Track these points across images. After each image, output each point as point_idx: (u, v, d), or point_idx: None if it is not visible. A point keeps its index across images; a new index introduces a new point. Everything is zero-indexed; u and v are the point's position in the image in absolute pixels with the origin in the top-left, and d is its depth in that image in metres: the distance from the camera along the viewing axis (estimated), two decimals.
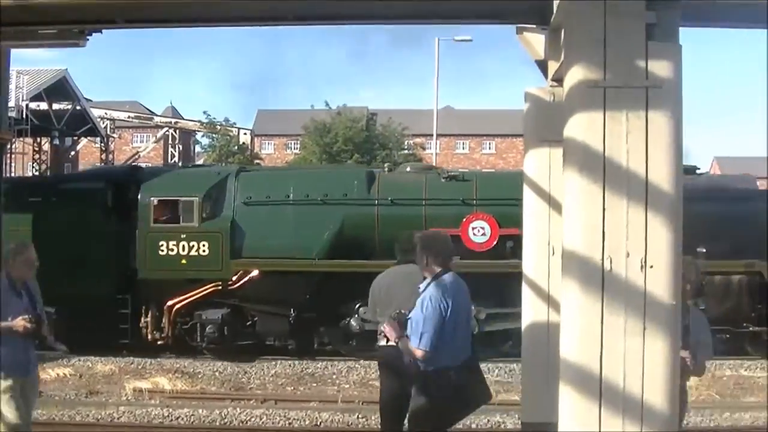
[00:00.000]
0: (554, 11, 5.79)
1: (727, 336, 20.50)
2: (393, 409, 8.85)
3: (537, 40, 7.48)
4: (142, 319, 20.27)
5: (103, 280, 19.90)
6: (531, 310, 7.56)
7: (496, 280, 19.26)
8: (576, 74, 4.77)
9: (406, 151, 56.83)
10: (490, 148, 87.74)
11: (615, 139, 4.68)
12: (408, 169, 23.74)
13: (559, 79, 6.34)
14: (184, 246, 20.25)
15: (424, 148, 60.24)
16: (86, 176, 25.71)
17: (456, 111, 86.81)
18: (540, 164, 7.33)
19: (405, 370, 8.31)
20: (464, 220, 20.56)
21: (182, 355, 19.73)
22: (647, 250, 4.69)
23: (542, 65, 7.52)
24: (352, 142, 51.13)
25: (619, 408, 4.63)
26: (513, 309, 17.85)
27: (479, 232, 20.65)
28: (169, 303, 20.29)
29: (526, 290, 7.63)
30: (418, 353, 7.08)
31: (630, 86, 4.69)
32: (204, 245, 20.19)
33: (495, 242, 20.45)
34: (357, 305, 19.38)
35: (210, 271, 20.15)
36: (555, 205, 6.77)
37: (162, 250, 20.24)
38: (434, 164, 40.45)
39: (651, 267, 4.67)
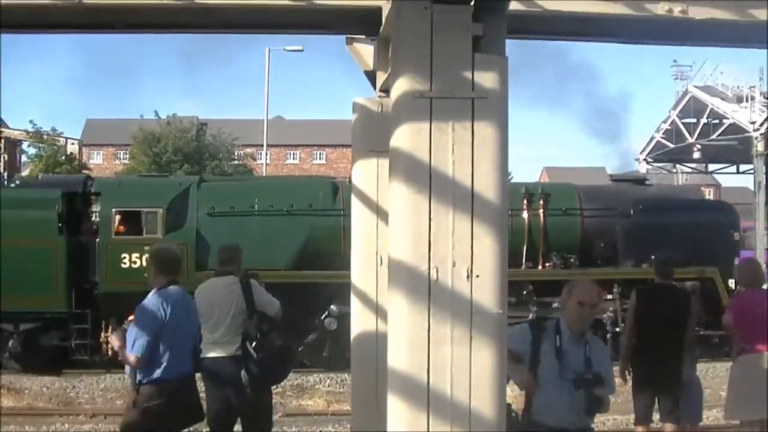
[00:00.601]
0: (382, 22, 5.80)
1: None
2: (222, 423, 8.72)
3: (366, 51, 7.50)
4: (102, 334, 19.33)
5: (57, 295, 19.40)
6: (359, 320, 7.54)
7: None
8: (402, 85, 4.77)
9: (236, 162, 56.59)
10: (320, 158, 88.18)
11: (441, 149, 4.70)
12: None
13: (386, 90, 6.35)
14: (147, 258, 19.70)
15: (254, 159, 59.94)
16: (37, 184, 24.88)
17: (286, 121, 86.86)
18: (368, 174, 7.33)
19: (230, 381, 8.21)
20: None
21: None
22: (473, 260, 4.72)
23: (371, 76, 7.53)
24: (181, 152, 50.66)
25: (447, 416, 4.65)
26: None
27: None
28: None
29: (354, 300, 7.61)
30: (131, 358, 7.21)
31: (456, 97, 4.72)
32: None
33: None
34: (323, 315, 19.94)
35: None
36: (383, 215, 6.77)
37: (124, 263, 19.75)
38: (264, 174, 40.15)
39: (477, 276, 4.71)
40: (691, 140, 42.94)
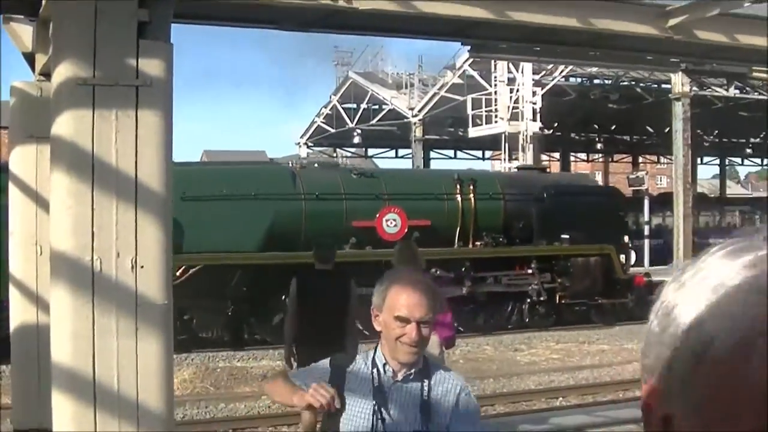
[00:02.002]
0: (43, 3, 5.57)
1: (583, 308, 26.08)
2: None
3: (25, 32, 7.18)
4: None
5: None
6: (19, 312, 7.23)
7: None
8: (64, 70, 4.61)
9: None
10: None
11: (104, 137, 4.58)
12: (316, 165, 25.68)
13: (47, 74, 6.11)
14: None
15: None
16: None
17: None
18: (27, 161, 7.03)
19: None
20: (378, 213, 22.95)
21: None
22: (138, 250, 4.65)
23: (30, 58, 7.23)
24: None
25: (115, 410, 4.56)
26: None
27: (392, 223, 23.22)
28: None
29: (13, 291, 7.29)
30: None
31: (120, 84, 4.62)
32: None
33: (404, 233, 22.73)
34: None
35: None
36: (43, 203, 6.51)
37: None
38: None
39: (142, 267, 4.64)
40: (351, 125, 44.05)
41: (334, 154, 50.36)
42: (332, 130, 45.57)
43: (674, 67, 11.13)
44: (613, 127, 45.15)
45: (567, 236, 25.75)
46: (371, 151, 52.50)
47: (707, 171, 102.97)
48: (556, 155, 50.41)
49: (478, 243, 24.73)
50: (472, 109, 34.13)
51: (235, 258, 21.36)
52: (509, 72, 32.43)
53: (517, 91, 32.34)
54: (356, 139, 45.59)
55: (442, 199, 24.74)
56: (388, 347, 3.76)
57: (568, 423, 12.23)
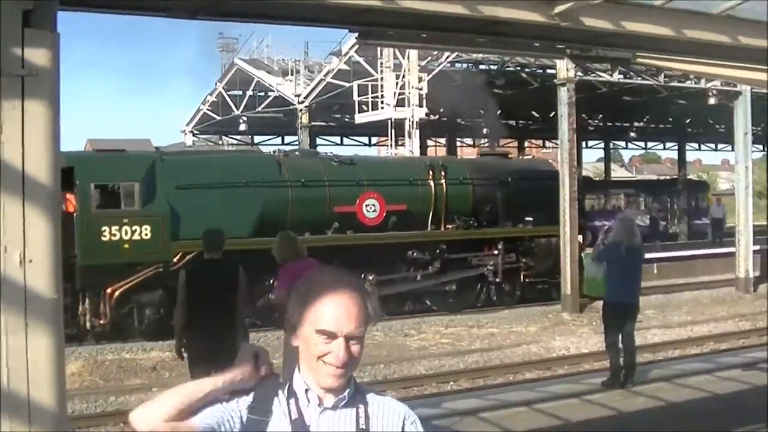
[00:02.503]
0: None
1: (545, 286, 27.76)
2: None
3: None
4: (80, 307, 19.79)
5: None
6: None
7: (383, 250, 23.93)
8: None
9: None
10: None
11: None
12: (297, 153, 27.23)
13: None
14: (126, 230, 20.95)
15: None
16: None
17: None
18: None
19: None
20: (358, 199, 24.31)
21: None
22: (26, 244, 4.52)
23: None
24: None
25: (5, 409, 4.43)
26: (399, 274, 24.57)
27: (371, 208, 24.53)
28: (110, 288, 20.29)
29: None
30: None
31: (4, 74, 4.47)
32: (146, 229, 21.16)
33: (383, 217, 24.56)
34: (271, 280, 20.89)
35: (152, 254, 21.18)
36: None
37: (104, 236, 20.72)
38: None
39: (30, 261, 4.51)
40: (237, 112, 43.74)
41: (220, 142, 49.93)
42: (218, 118, 45.15)
43: (560, 53, 11.27)
44: (499, 112, 45.69)
45: (530, 219, 27.51)
46: (257, 138, 52.13)
47: (592, 154, 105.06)
48: (443, 141, 50.77)
49: (450, 226, 26.38)
50: (359, 96, 34.17)
51: (231, 244, 20.91)
52: (395, 58, 32.53)
53: (404, 77, 32.45)
54: (242, 127, 45.33)
55: (416, 185, 26.07)
56: (309, 369, 2.93)
57: (459, 407, 12.37)
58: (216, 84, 45.08)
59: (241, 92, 43.41)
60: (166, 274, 20.43)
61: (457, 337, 22.35)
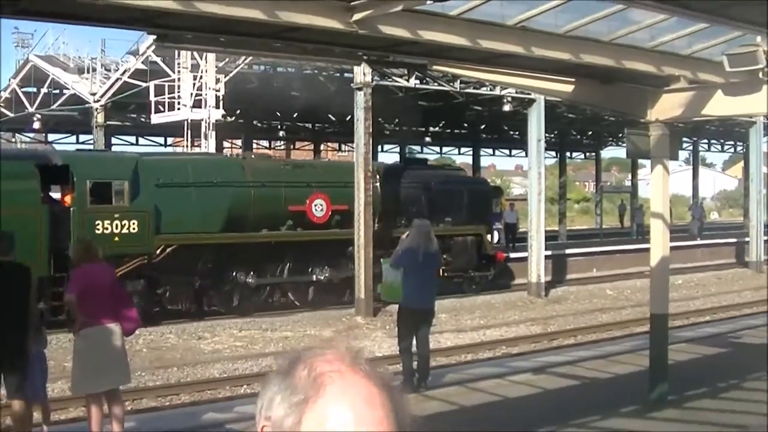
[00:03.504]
0: None
1: (461, 280, 31.10)
2: None
3: None
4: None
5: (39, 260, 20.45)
6: None
7: (329, 246, 27.46)
8: None
9: None
10: None
11: None
12: (253, 156, 30.34)
13: None
14: (117, 225, 23.17)
15: None
16: (12, 155, 27.18)
17: None
18: None
19: None
20: (308, 199, 27.28)
21: None
22: None
23: None
24: None
25: None
26: (346, 270, 27.54)
27: (319, 208, 27.59)
28: None
29: None
30: None
31: None
32: (134, 223, 23.46)
33: (329, 216, 27.72)
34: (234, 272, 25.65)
35: (138, 247, 23.50)
36: None
37: (98, 229, 22.70)
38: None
39: None
40: (31, 110, 42.20)
41: (13, 140, 48.12)
42: (11, 115, 43.39)
43: (358, 59, 11.33)
44: (296, 115, 45.65)
45: (449, 219, 30.76)
46: (51, 137, 50.39)
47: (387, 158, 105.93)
48: (239, 142, 50.42)
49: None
50: (155, 96, 33.51)
51: (205, 238, 24.89)
52: (193, 59, 32.08)
53: (201, 78, 32.05)
54: (36, 125, 43.72)
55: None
56: None
57: (251, 411, 12.21)
58: (9, 80, 43.32)
59: (35, 89, 41.81)
60: (145, 266, 23.75)
61: (251, 340, 22.19)
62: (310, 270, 27.64)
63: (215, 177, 25.29)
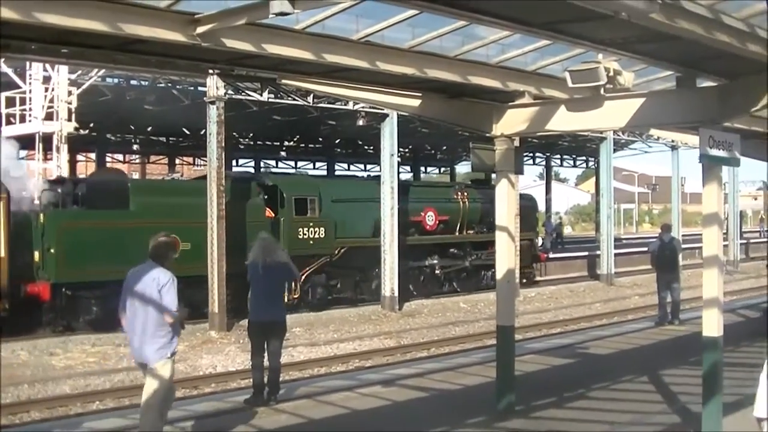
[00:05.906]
0: None
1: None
2: None
3: None
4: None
5: None
6: None
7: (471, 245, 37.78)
8: None
9: None
10: None
11: None
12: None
13: None
14: (312, 231, 30.43)
15: None
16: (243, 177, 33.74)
17: None
18: None
19: None
20: (422, 212, 35.69)
21: None
22: None
23: None
24: None
25: None
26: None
27: (430, 218, 36.07)
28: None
29: None
30: None
31: None
32: (322, 230, 30.74)
33: (436, 224, 36.40)
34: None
35: (325, 248, 31.00)
36: None
37: (300, 235, 30.10)
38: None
39: None
40: None
41: None
42: None
43: (203, 72, 11.28)
44: (150, 128, 44.94)
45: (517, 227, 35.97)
46: None
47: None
48: (93, 155, 49.33)
49: (470, 231, 38.00)
50: (6, 107, 32.65)
51: (366, 242, 32.19)
52: (45, 70, 31.32)
53: (53, 90, 31.31)
54: None
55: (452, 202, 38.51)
56: None
57: (103, 426, 12.07)
58: None
59: None
60: (327, 264, 31.31)
61: (104, 356, 21.75)
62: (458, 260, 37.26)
63: (371, 195, 32.30)
